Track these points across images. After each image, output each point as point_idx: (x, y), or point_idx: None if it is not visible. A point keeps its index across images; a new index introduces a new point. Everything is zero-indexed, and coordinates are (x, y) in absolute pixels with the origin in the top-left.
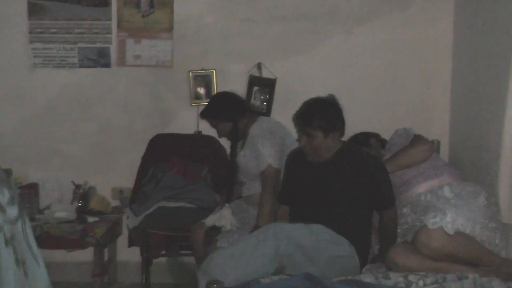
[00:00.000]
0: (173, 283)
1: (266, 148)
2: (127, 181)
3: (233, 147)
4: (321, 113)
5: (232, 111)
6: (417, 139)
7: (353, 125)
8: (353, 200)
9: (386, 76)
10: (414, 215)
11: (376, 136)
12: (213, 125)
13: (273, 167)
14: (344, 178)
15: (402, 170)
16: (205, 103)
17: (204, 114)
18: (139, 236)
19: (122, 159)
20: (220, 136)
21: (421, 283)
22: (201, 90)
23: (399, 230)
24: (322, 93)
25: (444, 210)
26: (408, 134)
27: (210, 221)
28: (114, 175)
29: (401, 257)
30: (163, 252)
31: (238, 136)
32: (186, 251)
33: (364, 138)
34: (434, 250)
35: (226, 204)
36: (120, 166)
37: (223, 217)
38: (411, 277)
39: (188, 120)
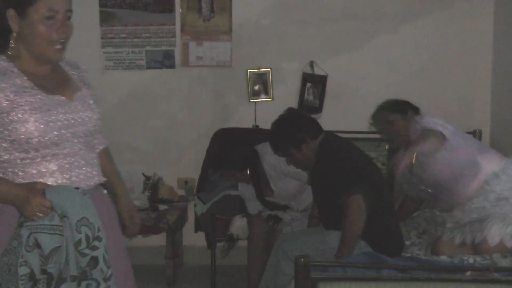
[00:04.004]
0: (234, 264)
1: None
2: (191, 172)
3: None
4: (280, 136)
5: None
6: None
7: None
8: (328, 202)
9: (430, 71)
10: (465, 218)
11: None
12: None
13: None
14: (316, 182)
15: (435, 177)
16: (262, 99)
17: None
18: (207, 221)
19: (186, 152)
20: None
21: (471, 260)
22: (258, 87)
23: (450, 225)
24: (371, 88)
25: (504, 219)
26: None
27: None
28: (179, 167)
29: (448, 250)
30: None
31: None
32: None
33: (402, 108)
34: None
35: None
36: (185, 158)
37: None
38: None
39: (246, 115)
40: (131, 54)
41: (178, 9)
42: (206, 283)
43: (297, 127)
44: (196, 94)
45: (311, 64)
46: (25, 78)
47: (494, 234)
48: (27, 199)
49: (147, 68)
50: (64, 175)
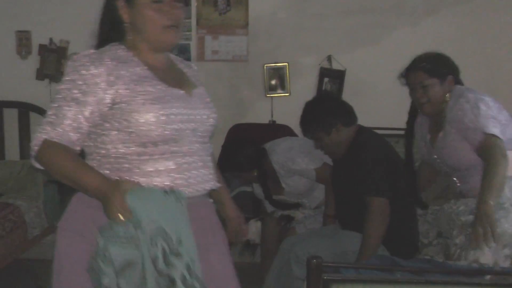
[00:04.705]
0: (248, 262)
1: None
2: None
3: None
4: (311, 116)
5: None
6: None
7: None
8: (349, 197)
9: None
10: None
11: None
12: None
13: None
14: (341, 173)
15: (454, 158)
16: (279, 94)
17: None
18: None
19: None
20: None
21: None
22: (275, 82)
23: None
24: (390, 83)
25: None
26: (478, 130)
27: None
28: None
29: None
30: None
31: None
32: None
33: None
34: None
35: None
36: None
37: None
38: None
39: (263, 110)
40: None
41: (193, 3)
42: None
43: (330, 111)
44: (212, 89)
45: (329, 58)
46: (145, 67)
47: (488, 257)
48: (109, 199)
49: None
50: (182, 175)
